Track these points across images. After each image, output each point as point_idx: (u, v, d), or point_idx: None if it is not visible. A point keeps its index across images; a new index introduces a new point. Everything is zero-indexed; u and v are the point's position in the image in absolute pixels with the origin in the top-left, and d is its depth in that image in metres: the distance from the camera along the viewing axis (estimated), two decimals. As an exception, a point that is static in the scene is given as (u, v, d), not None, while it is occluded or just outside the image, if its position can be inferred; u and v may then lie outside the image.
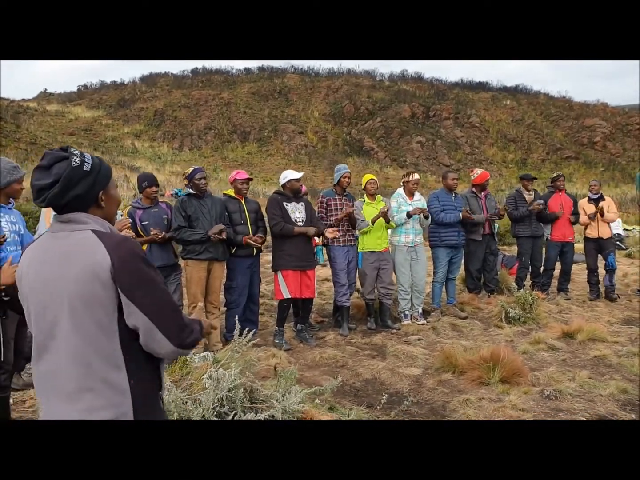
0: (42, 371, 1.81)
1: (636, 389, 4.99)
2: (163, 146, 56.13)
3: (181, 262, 5.85)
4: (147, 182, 5.63)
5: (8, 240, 3.76)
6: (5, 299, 3.08)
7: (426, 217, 6.89)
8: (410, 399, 4.63)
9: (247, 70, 76.43)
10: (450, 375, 5.19)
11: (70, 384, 1.73)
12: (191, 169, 5.62)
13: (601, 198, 8.45)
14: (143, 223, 5.52)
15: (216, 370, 3.58)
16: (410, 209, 6.86)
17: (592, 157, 54.83)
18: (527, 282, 8.33)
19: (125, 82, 74.95)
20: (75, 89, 77.27)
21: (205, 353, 4.06)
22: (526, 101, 65.53)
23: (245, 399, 3.51)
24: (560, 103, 65.87)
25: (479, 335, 6.60)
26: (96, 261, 1.72)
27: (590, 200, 8.48)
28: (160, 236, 5.38)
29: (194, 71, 75.40)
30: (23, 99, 69.33)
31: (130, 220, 4.76)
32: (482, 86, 69.83)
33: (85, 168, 1.83)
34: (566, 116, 61.75)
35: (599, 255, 8.42)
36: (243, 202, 6.03)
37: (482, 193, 7.76)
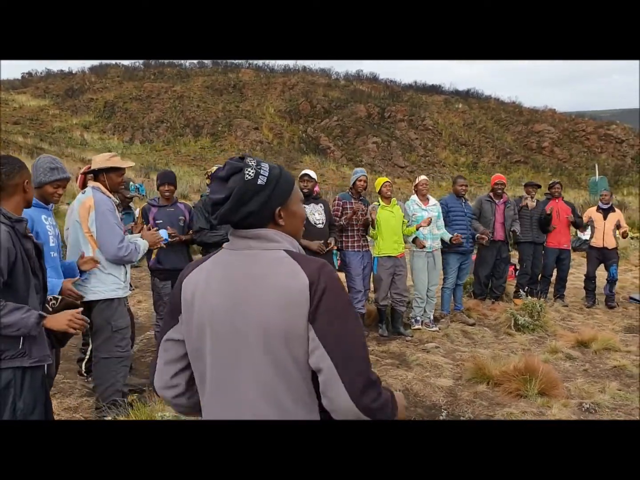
0: (218, 403, 1.57)
1: (669, 400, 5.00)
2: (113, 139, 54.29)
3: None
4: (160, 180, 5.31)
5: (51, 245, 3.39)
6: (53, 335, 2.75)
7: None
8: (448, 412, 4.49)
9: (201, 63, 74.90)
10: (485, 387, 5.08)
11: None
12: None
13: (611, 209, 8.51)
14: (157, 222, 5.17)
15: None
16: (425, 214, 6.73)
17: (540, 161, 56.41)
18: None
19: (74, 72, 72.09)
20: (19, 77, 73.96)
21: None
22: (477, 105, 66.83)
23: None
24: (510, 108, 67.53)
25: (493, 343, 6.53)
26: (295, 287, 1.47)
27: (599, 209, 8.54)
28: (176, 237, 5.05)
29: (146, 63, 73.30)
30: (-39, 84, 65.86)
31: (164, 239, 4.43)
32: (435, 89, 70.75)
33: (259, 182, 1.57)
34: (516, 121, 63.35)
35: (602, 264, 8.51)
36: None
37: (501, 200, 7.70)
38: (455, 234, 6.90)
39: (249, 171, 1.56)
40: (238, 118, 60.76)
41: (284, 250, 1.56)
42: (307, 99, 63.03)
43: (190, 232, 5.27)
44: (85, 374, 4.77)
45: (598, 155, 57.81)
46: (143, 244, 4.12)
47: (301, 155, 54.21)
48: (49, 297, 2.99)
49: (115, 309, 3.92)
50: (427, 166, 52.93)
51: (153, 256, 5.19)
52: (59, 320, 2.65)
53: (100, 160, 4.10)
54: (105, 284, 3.87)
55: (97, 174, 4.10)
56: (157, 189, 5.31)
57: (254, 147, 56.93)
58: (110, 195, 4.02)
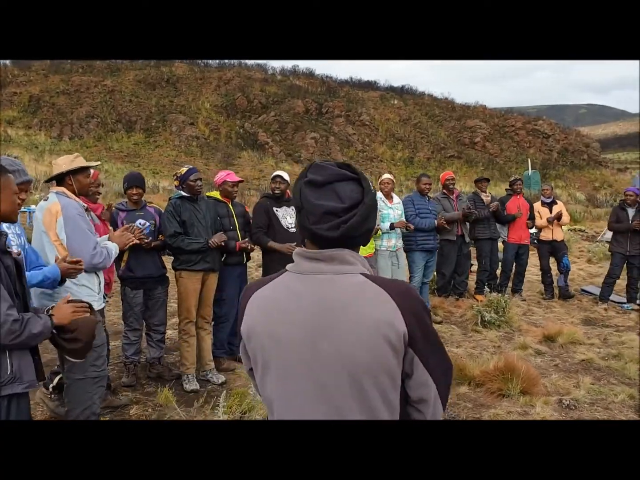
0: None
1: (642, 393, 5.13)
2: (40, 135, 51.77)
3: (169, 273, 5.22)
4: (128, 183, 4.97)
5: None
6: (66, 341, 2.48)
7: (408, 230, 6.74)
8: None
9: (132, 56, 72.72)
10: (467, 388, 5.05)
11: None
12: (185, 169, 4.99)
13: (554, 202, 8.78)
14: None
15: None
16: (391, 212, 6.66)
17: (473, 156, 58.04)
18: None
19: (-7, 64, 68.42)
20: None
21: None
22: (412, 101, 67.97)
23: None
24: (443, 104, 69.08)
25: (463, 342, 6.54)
26: (384, 318, 1.30)
27: (544, 204, 8.78)
28: (146, 241, 4.74)
29: (73, 55, 70.35)
30: None
31: (134, 240, 4.10)
32: (370, 85, 71.49)
33: (376, 196, 1.43)
34: (449, 117, 64.88)
35: (553, 257, 8.74)
36: (231, 205, 5.49)
37: (453, 195, 7.75)
38: (440, 215, 7.22)
39: (369, 184, 1.40)
40: (173, 113, 59.37)
41: (360, 273, 1.38)
42: (244, 93, 62.28)
43: (161, 237, 4.96)
44: (52, 390, 4.32)
45: (527, 150, 60.10)
46: (114, 247, 3.80)
47: (239, 151, 53.56)
48: (47, 308, 2.71)
49: (90, 324, 3.59)
50: (365, 161, 53.42)
51: (123, 264, 4.86)
52: (64, 313, 2.54)
53: (64, 163, 3.75)
54: (79, 297, 3.53)
55: (60, 179, 3.75)
56: (125, 193, 4.97)
57: (190, 143, 55.83)
58: (77, 199, 3.69)
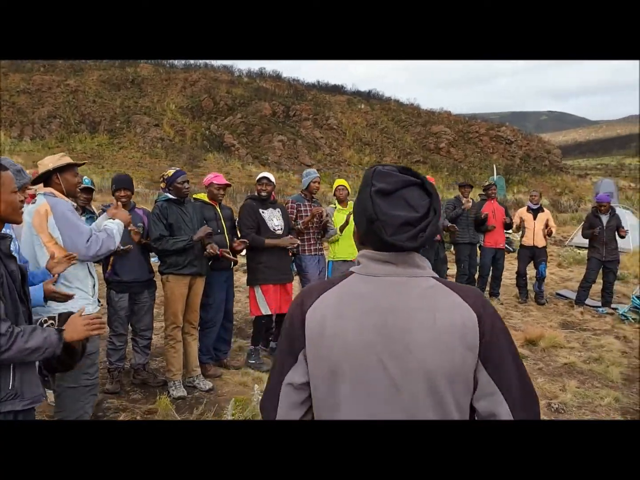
0: None
1: (626, 396, 5.22)
2: (-1, 134, 50.45)
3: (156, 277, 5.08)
4: (115, 185, 4.83)
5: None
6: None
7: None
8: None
9: (95, 56, 71.34)
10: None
11: None
12: (172, 171, 4.87)
13: (540, 209, 8.85)
14: None
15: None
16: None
17: (438, 162, 58.76)
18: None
19: (-51, 60, 66.26)
20: None
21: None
22: (379, 106, 68.43)
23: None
24: (409, 110, 69.75)
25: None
26: (461, 323, 1.27)
27: (529, 210, 8.86)
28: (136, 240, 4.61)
29: (34, 53, 68.67)
30: None
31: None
32: (337, 89, 71.69)
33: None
34: (415, 122, 65.55)
35: (532, 262, 8.85)
36: (218, 208, 5.39)
37: None
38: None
39: (434, 188, 1.38)
40: (137, 114, 58.44)
41: (432, 277, 1.35)
42: (210, 95, 61.73)
43: (146, 240, 4.83)
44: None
45: (490, 156, 61.21)
46: (117, 225, 3.63)
47: (205, 153, 53.02)
48: (43, 318, 2.57)
49: (83, 330, 3.45)
50: (333, 165, 53.55)
51: (109, 267, 4.71)
52: (77, 328, 2.28)
53: (50, 161, 3.60)
54: (72, 301, 3.39)
55: (47, 179, 3.60)
56: (113, 195, 4.82)
57: (154, 144, 55.08)
58: (66, 198, 3.55)
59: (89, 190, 5.05)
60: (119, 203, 3.95)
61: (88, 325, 2.30)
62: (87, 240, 3.38)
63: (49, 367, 2.41)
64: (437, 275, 1.37)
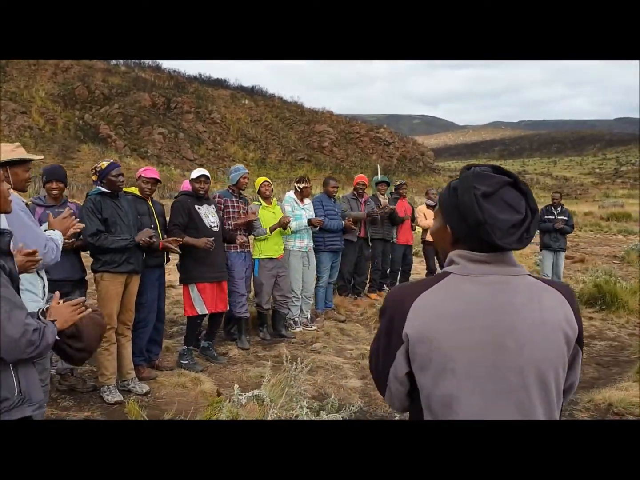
0: None
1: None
2: None
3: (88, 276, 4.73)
4: (47, 176, 4.45)
5: None
6: (69, 346, 2.19)
7: (322, 229, 6.83)
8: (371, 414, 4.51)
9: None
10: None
11: None
12: (106, 163, 4.54)
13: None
14: (42, 224, 4.29)
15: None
16: (304, 213, 6.67)
17: (321, 160, 59.98)
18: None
19: None
20: None
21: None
22: (263, 103, 68.47)
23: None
24: (293, 108, 70.48)
25: (370, 339, 6.72)
26: (562, 316, 1.38)
27: (428, 206, 9.32)
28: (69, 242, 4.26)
29: None
30: None
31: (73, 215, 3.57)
32: (220, 83, 70.70)
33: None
34: (299, 121, 66.39)
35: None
36: (150, 203, 5.13)
37: (362, 199, 7.94)
38: (347, 218, 7.30)
39: (528, 187, 1.41)
40: (2, 100, 53.83)
41: (527, 275, 1.42)
42: (84, 83, 58.35)
43: (79, 239, 4.48)
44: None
45: (370, 156, 63.50)
46: (58, 236, 3.33)
47: (78, 144, 50.06)
48: (45, 307, 2.34)
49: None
50: (217, 160, 52.76)
51: (42, 266, 4.30)
52: (64, 317, 2.19)
53: (2, 152, 3.24)
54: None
55: None
56: (44, 187, 4.41)
57: (22, 133, 51.04)
58: (19, 195, 3.22)
59: None
60: (70, 210, 3.61)
61: (73, 311, 2.24)
62: (45, 247, 3.08)
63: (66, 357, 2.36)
64: (530, 273, 1.44)
